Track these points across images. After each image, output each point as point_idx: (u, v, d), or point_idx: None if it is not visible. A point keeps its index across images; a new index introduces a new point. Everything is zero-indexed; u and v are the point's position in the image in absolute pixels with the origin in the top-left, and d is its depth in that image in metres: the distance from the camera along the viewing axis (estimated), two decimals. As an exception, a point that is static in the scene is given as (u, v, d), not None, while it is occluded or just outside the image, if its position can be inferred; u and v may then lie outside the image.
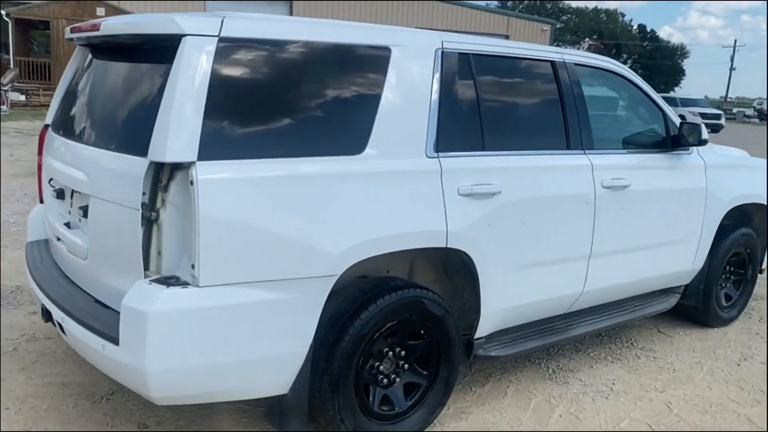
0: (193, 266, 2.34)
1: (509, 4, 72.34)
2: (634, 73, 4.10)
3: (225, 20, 2.47)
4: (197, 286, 2.34)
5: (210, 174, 2.33)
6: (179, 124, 2.32)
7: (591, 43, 25.28)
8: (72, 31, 3.07)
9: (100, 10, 23.61)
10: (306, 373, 2.66)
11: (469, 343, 3.31)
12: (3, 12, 24.36)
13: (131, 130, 2.59)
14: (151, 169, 2.36)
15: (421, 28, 3.34)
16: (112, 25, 2.72)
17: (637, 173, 3.86)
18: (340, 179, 2.64)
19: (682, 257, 4.33)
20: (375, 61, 2.85)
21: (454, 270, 3.25)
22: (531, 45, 3.57)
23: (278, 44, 2.59)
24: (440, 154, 2.97)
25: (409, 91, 2.92)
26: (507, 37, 36.50)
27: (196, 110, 2.34)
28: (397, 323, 2.92)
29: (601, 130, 3.88)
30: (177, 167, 2.35)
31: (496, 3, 72.68)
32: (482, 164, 3.11)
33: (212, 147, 2.35)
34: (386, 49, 2.88)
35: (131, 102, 2.70)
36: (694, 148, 4.27)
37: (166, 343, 2.32)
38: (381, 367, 2.96)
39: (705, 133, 4.07)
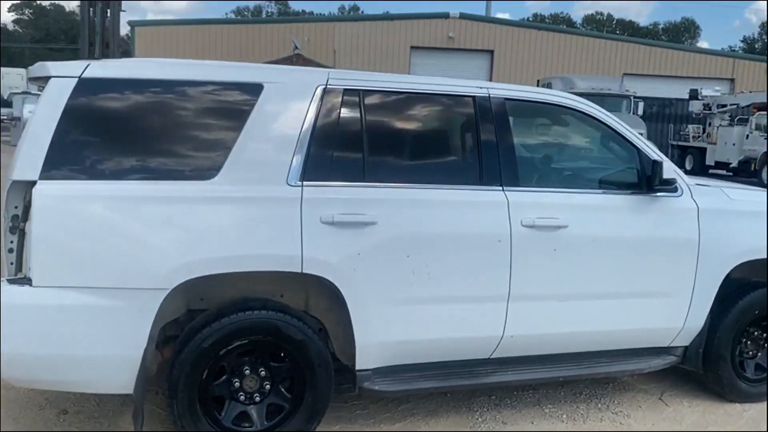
0: (30, 268, 2.78)
1: (757, 46, 66.15)
2: (599, 108, 3.77)
3: (91, 65, 2.94)
4: (31, 285, 2.77)
5: (46, 191, 2.77)
6: (29, 149, 2.81)
7: None
8: None
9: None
10: (143, 377, 2.94)
11: (353, 374, 3.31)
12: None
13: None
14: (17, 186, 2.87)
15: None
16: (32, 71, 3.33)
17: (582, 214, 3.56)
18: (180, 202, 2.92)
19: (666, 314, 3.81)
20: (240, 97, 3.10)
21: (333, 298, 3.30)
22: (449, 81, 3.52)
23: (138, 83, 2.98)
24: (305, 183, 3.10)
25: (276, 124, 3.12)
26: (732, 80, 33.69)
27: (45, 137, 2.81)
28: (249, 343, 3.08)
29: (541, 167, 3.65)
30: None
31: (742, 46, 67.41)
32: (354, 195, 3.17)
33: (56, 169, 2.80)
34: (257, 86, 3.13)
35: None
36: (686, 189, 3.80)
37: (3, 331, 2.77)
38: (239, 384, 3.12)
39: (668, 172, 3.59)
